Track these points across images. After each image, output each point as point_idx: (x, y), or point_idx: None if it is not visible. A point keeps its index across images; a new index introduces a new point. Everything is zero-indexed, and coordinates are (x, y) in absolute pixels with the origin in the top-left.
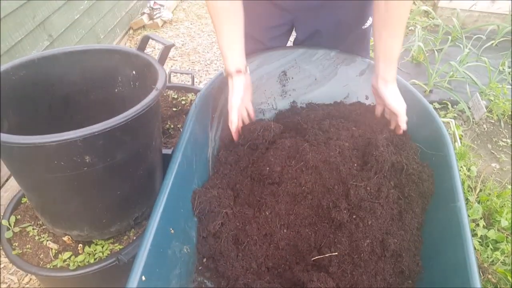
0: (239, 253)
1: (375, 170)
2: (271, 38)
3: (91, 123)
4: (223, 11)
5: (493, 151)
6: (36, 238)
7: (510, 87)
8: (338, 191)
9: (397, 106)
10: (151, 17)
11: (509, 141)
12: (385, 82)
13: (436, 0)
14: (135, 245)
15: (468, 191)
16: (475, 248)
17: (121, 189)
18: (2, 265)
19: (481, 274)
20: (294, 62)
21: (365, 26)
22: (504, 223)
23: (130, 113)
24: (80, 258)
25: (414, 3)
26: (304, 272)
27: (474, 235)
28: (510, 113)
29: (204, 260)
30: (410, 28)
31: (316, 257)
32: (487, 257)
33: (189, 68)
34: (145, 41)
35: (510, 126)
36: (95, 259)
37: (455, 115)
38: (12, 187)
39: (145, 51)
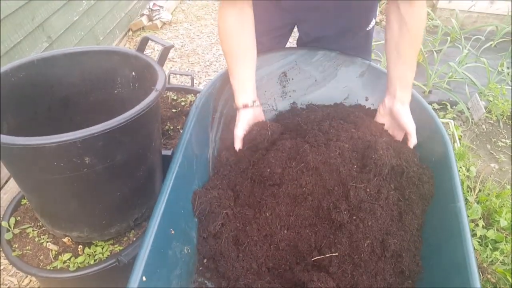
0: (240, 253)
1: (374, 173)
2: (271, 38)
3: (91, 125)
4: (237, 55)
5: (492, 152)
6: (36, 239)
7: (509, 87)
8: (338, 192)
9: (411, 126)
10: (150, 19)
11: (508, 141)
12: (402, 103)
13: (435, 1)
14: (135, 246)
15: (468, 192)
16: (474, 248)
17: (120, 190)
18: (2, 267)
19: (481, 274)
20: (295, 63)
21: (369, 28)
22: (503, 223)
23: (129, 114)
24: (80, 259)
25: None
26: (304, 272)
27: (473, 235)
28: (509, 113)
29: (205, 260)
30: None
31: (317, 258)
32: (487, 257)
33: (188, 70)
34: (144, 42)
35: (509, 126)
36: (95, 260)
37: (454, 115)
38: (12, 188)
39: (144, 52)
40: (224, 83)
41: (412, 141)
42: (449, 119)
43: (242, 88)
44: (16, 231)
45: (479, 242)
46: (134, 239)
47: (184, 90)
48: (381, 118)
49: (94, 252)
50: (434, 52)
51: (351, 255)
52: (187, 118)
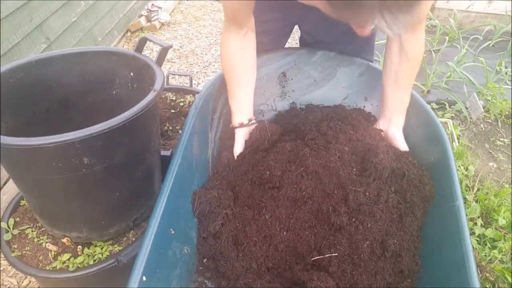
0: (239, 253)
1: (374, 176)
2: (271, 39)
3: (90, 125)
4: (238, 79)
5: (490, 151)
6: (35, 240)
7: (507, 87)
8: (337, 195)
9: (404, 148)
10: (148, 19)
11: (506, 140)
12: (396, 127)
13: (433, 0)
14: (135, 246)
15: (466, 191)
16: (473, 247)
17: (119, 190)
18: (1, 268)
19: (479, 272)
20: (294, 63)
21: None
22: (502, 221)
23: (128, 114)
24: (79, 259)
25: None
26: (304, 271)
27: (472, 233)
28: (507, 112)
29: (205, 260)
30: None
31: (316, 258)
32: (485, 255)
33: (187, 70)
34: (142, 42)
35: (507, 125)
36: (94, 260)
37: (453, 115)
38: (11, 189)
39: (142, 53)
40: (223, 83)
41: None
42: (448, 118)
43: (239, 109)
44: (15, 232)
45: (477, 240)
46: (134, 239)
47: (183, 90)
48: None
49: (94, 252)
50: (433, 52)
51: (350, 256)
52: (186, 119)
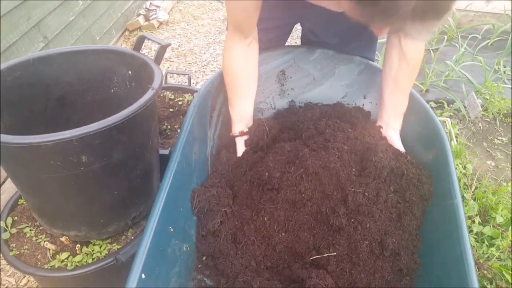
0: (238, 251)
1: (374, 176)
2: (272, 37)
3: (88, 124)
4: (240, 89)
5: (488, 149)
6: (34, 239)
7: (505, 86)
8: (337, 197)
9: (401, 150)
10: (147, 18)
11: (504, 139)
12: (393, 130)
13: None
14: (133, 245)
15: (464, 189)
16: (471, 245)
17: (118, 189)
18: (0, 267)
19: (477, 269)
20: (293, 62)
21: None
22: (499, 219)
23: (126, 113)
24: (78, 258)
25: None
26: (303, 269)
27: (469, 231)
28: (505, 111)
29: (204, 258)
30: None
31: (315, 257)
32: (483, 253)
33: (185, 69)
34: (140, 41)
35: (505, 124)
36: (93, 259)
37: (451, 114)
38: (9, 189)
39: (141, 52)
40: (222, 81)
41: None
42: (446, 117)
43: (240, 118)
44: (14, 231)
45: (475, 238)
46: (132, 237)
47: (181, 89)
48: None
49: (92, 251)
50: (431, 51)
51: (349, 255)
52: (185, 117)
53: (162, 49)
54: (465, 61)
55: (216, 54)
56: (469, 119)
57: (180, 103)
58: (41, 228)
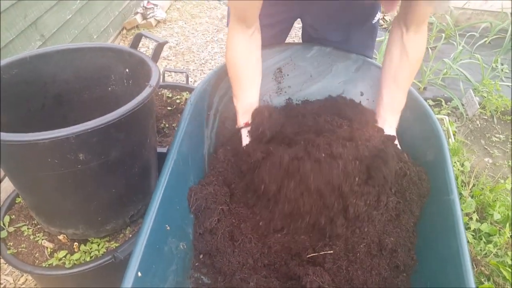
0: (235, 249)
1: (380, 185)
2: (273, 33)
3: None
4: (244, 81)
5: (486, 147)
6: (31, 237)
7: (502, 83)
8: (337, 208)
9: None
10: (144, 17)
11: (501, 136)
12: (390, 127)
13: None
14: (131, 243)
15: (462, 186)
16: (468, 241)
17: (116, 187)
18: None
19: (475, 266)
20: (290, 59)
21: (374, 21)
22: (497, 216)
23: (123, 110)
24: (75, 256)
25: None
26: (299, 267)
27: (467, 228)
28: (503, 109)
29: (201, 256)
30: None
31: (311, 255)
32: (480, 250)
33: (183, 68)
34: (138, 38)
35: (503, 122)
36: (91, 257)
37: (449, 111)
38: (6, 187)
39: (138, 49)
40: (219, 79)
41: None
42: (444, 115)
43: (245, 110)
44: (11, 229)
45: (473, 235)
46: (130, 235)
47: (179, 87)
48: None
49: (90, 249)
50: (429, 49)
51: (346, 254)
52: (181, 115)
53: (160, 46)
54: (463, 59)
55: (214, 53)
56: (467, 116)
57: (178, 101)
58: (38, 226)
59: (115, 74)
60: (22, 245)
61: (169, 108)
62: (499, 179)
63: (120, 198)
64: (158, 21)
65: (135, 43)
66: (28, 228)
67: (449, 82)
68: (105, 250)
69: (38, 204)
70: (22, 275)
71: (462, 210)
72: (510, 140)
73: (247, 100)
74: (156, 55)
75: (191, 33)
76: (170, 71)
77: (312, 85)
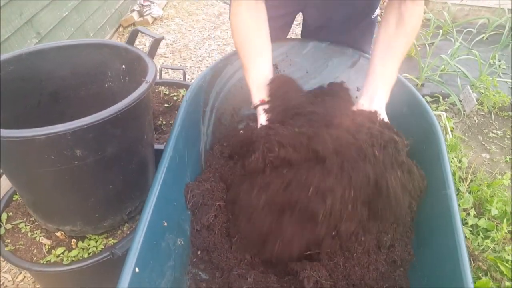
0: (233, 245)
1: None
2: (275, 28)
3: None
4: (254, 52)
5: (483, 143)
6: (29, 234)
7: (500, 79)
8: (333, 245)
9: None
10: (141, 14)
11: (499, 132)
12: (379, 100)
13: None
14: (129, 239)
15: (459, 182)
16: (466, 237)
17: (113, 183)
18: None
19: (472, 261)
20: (285, 55)
21: (374, 15)
22: (494, 211)
23: (120, 106)
24: (73, 253)
25: None
26: (297, 262)
27: (465, 224)
28: (500, 105)
29: (199, 252)
30: None
31: (309, 252)
32: (478, 245)
33: (180, 65)
34: (134, 34)
35: (500, 118)
36: (89, 253)
37: (447, 108)
38: (4, 184)
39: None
40: (214, 76)
41: None
42: (442, 111)
43: (258, 86)
44: (8, 226)
45: (470, 231)
46: (128, 232)
47: (176, 84)
48: None
49: (88, 245)
50: (427, 45)
51: (343, 251)
52: (178, 112)
53: (156, 42)
54: (460, 55)
55: (211, 50)
56: (464, 113)
57: (175, 98)
58: (36, 223)
59: (112, 71)
60: (20, 242)
61: (166, 105)
62: (496, 174)
63: (117, 195)
64: (155, 19)
65: (131, 39)
66: (25, 225)
67: (447, 79)
68: (103, 247)
69: (35, 201)
70: (21, 273)
71: (459, 205)
72: (508, 136)
73: (258, 72)
74: (152, 51)
75: (188, 30)
76: (167, 68)
77: (308, 81)
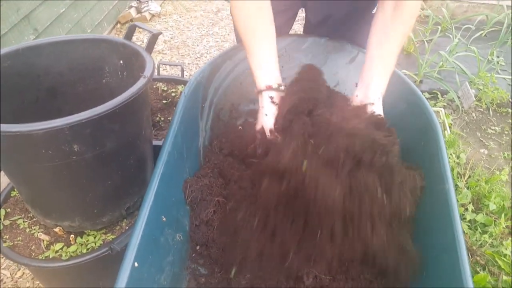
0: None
1: None
2: (277, 23)
3: None
4: (257, 35)
5: (481, 139)
6: (27, 230)
7: (498, 76)
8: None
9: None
10: (139, 11)
11: (497, 128)
12: (375, 91)
13: None
14: (128, 235)
15: (458, 178)
16: (464, 232)
17: (111, 178)
18: None
19: (470, 256)
20: (284, 51)
21: (374, 11)
22: (492, 207)
23: (117, 101)
24: (72, 248)
25: None
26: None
27: (463, 219)
28: (498, 101)
29: (198, 247)
30: None
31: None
32: (476, 240)
33: (178, 62)
34: (132, 30)
35: (498, 114)
36: (87, 249)
37: (445, 104)
38: (1, 181)
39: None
40: (213, 71)
41: None
42: (440, 107)
43: (262, 69)
44: (7, 222)
45: (468, 226)
46: (127, 228)
47: (174, 81)
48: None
49: (87, 241)
50: (425, 42)
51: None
52: (176, 108)
53: (154, 37)
54: (459, 52)
55: (209, 46)
56: (463, 109)
57: (173, 94)
58: (34, 219)
59: (109, 66)
60: (18, 238)
61: (164, 101)
62: (494, 170)
63: (116, 190)
64: (153, 15)
65: (129, 35)
66: (24, 221)
67: (445, 75)
68: (102, 242)
69: (33, 196)
70: (19, 269)
71: (458, 200)
72: (506, 132)
73: (263, 56)
74: (150, 46)
75: (186, 26)
76: (165, 64)
77: None
